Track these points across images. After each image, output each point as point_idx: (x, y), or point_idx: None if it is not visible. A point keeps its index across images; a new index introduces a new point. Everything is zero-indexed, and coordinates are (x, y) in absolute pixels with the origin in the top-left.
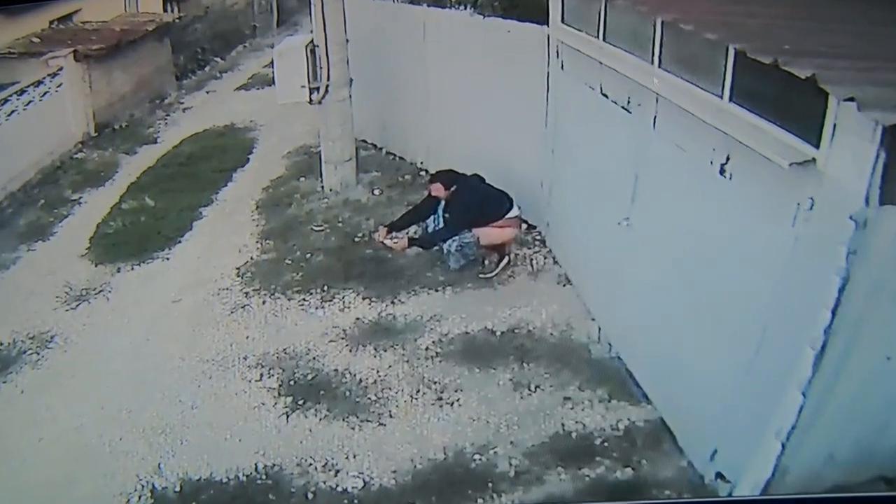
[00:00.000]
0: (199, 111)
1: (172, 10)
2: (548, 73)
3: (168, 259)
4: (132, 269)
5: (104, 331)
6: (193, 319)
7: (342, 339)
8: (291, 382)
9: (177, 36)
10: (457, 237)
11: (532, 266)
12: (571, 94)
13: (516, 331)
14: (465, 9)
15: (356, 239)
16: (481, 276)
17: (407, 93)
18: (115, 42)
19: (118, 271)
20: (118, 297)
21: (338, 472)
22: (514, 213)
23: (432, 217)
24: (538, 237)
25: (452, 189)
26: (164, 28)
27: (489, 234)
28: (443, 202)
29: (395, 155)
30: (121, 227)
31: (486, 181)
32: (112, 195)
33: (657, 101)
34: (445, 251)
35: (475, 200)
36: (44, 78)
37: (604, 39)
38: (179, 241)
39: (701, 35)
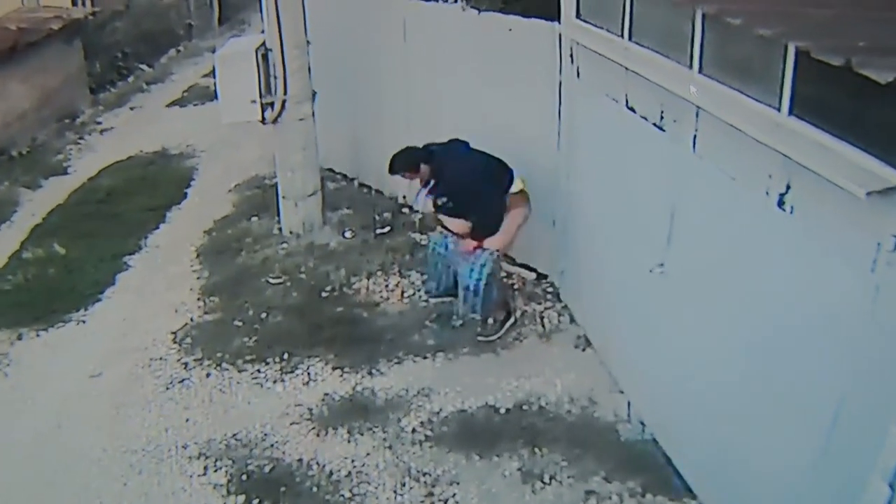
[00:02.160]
0: (121, 133)
1: (84, 5)
2: (560, 82)
3: (84, 322)
4: (37, 335)
5: (1, 416)
6: (118, 399)
7: (307, 420)
8: (244, 477)
9: (91, 37)
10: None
11: (543, 325)
12: (590, 107)
13: (525, 407)
14: (456, 1)
15: (323, 294)
16: (480, 338)
17: (384, 109)
18: (9, 45)
19: (19, 339)
20: (19, 372)
21: None
22: (516, 186)
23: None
24: (550, 289)
25: (425, 168)
26: (73, 27)
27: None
28: (429, 188)
29: (369, 188)
30: (22, 283)
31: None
32: (10, 241)
33: (697, 115)
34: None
35: (474, 168)
36: None
37: (630, 39)
38: (99, 300)
39: (752, 31)
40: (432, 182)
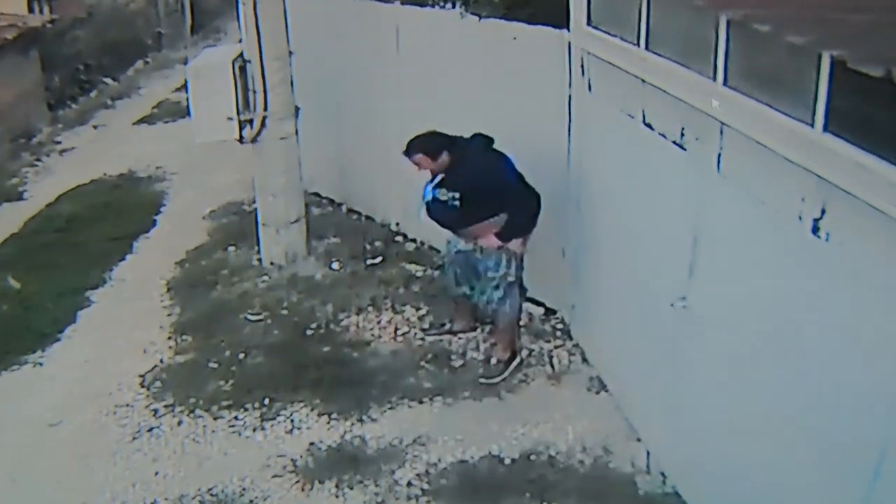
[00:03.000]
0: (82, 154)
1: (41, 11)
2: (570, 97)
3: (42, 365)
4: None
5: None
6: (80, 450)
7: (291, 472)
8: None
9: (49, 47)
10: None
11: (552, 366)
12: (603, 124)
13: (533, 457)
14: (454, 7)
15: (308, 332)
16: (483, 381)
17: (375, 127)
18: None
19: None
20: None
21: None
22: None
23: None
24: (560, 325)
25: (445, 157)
26: (29, 36)
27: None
28: (435, 181)
29: (359, 214)
30: None
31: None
32: None
33: (722, 132)
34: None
35: (500, 167)
36: None
37: (647, 48)
38: (58, 339)
39: (783, 39)
40: (441, 176)
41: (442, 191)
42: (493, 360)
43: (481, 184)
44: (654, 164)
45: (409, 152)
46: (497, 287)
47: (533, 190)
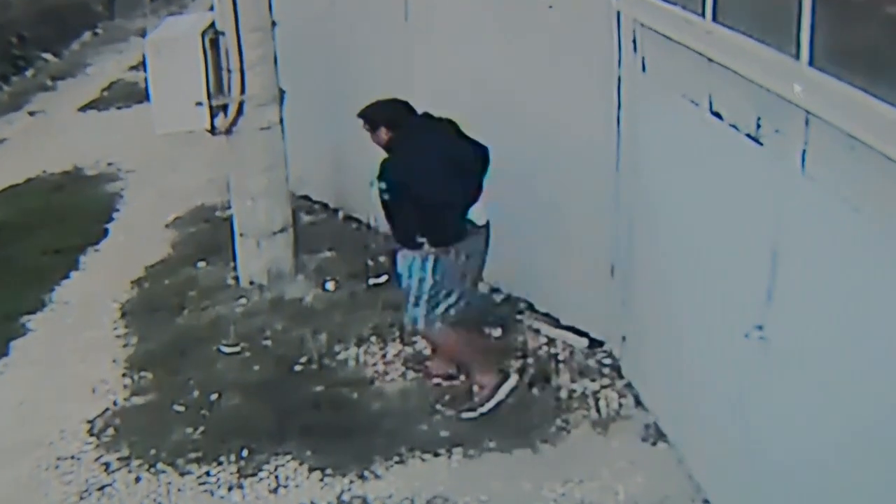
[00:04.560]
0: (16, 147)
1: None
2: (619, 79)
3: None
4: None
5: None
6: None
7: None
8: None
9: None
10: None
11: (599, 410)
12: (660, 112)
13: None
14: None
15: (296, 367)
16: (464, 416)
17: None
18: None
19: None
20: None
21: None
22: (477, 216)
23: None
24: (607, 360)
25: (383, 133)
26: None
27: None
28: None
29: (359, 222)
30: None
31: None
32: None
33: (807, 123)
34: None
35: (421, 157)
36: None
37: (714, 19)
38: None
39: (882, 9)
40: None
41: (376, 177)
42: (475, 388)
43: (403, 177)
44: (724, 163)
45: (359, 113)
46: (416, 304)
47: (461, 196)
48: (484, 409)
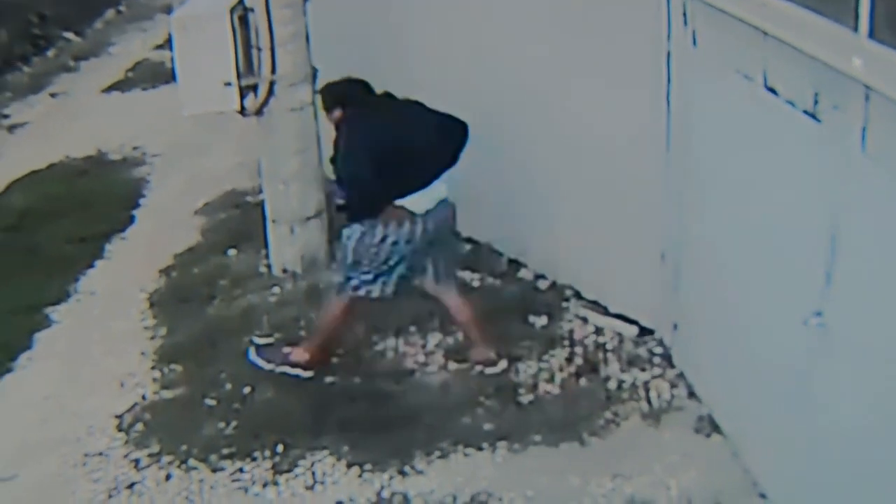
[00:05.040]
0: (38, 131)
1: None
2: (668, 53)
3: None
4: None
5: None
6: None
7: None
8: None
9: None
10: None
11: (649, 401)
12: (713, 89)
13: None
14: None
15: (334, 358)
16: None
17: (414, 92)
18: None
19: None
20: None
21: None
22: (414, 204)
23: None
24: (658, 349)
25: (338, 113)
26: None
27: None
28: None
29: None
30: None
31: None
32: None
33: (867, 99)
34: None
35: (374, 135)
36: None
37: None
38: (9, 370)
39: None
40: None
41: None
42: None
43: (339, 158)
44: (779, 141)
45: (317, 90)
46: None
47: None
48: (273, 369)
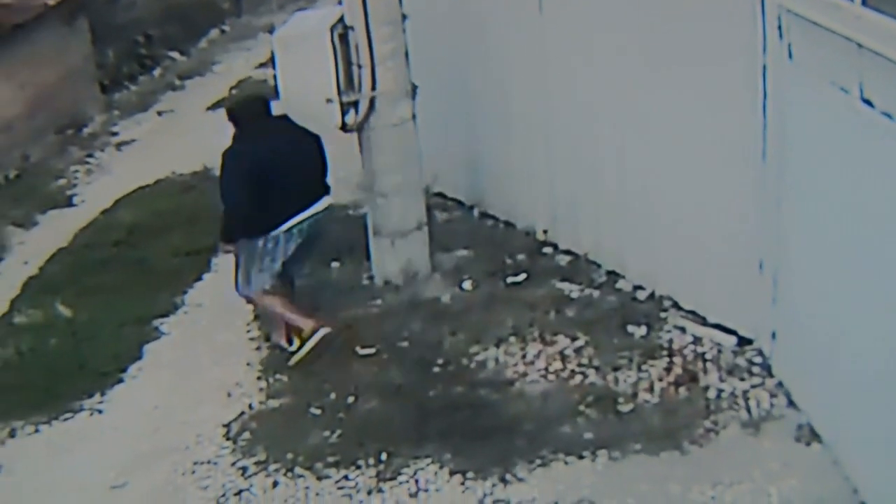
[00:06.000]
0: (145, 148)
1: None
2: (764, 66)
3: (101, 412)
4: (37, 430)
5: None
6: None
7: None
8: None
9: (101, 15)
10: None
11: (749, 410)
12: (809, 101)
13: None
14: None
15: (434, 369)
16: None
17: (512, 109)
18: None
19: (11, 436)
20: (13, 481)
21: None
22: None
23: None
24: (757, 358)
25: (235, 128)
26: (76, 2)
27: None
28: None
29: (495, 219)
30: (13, 358)
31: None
32: None
33: None
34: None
35: (247, 154)
36: None
37: (863, 3)
38: (120, 380)
39: None
40: None
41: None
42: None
43: (220, 178)
44: (877, 151)
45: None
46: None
47: (249, 196)
48: (292, 349)
